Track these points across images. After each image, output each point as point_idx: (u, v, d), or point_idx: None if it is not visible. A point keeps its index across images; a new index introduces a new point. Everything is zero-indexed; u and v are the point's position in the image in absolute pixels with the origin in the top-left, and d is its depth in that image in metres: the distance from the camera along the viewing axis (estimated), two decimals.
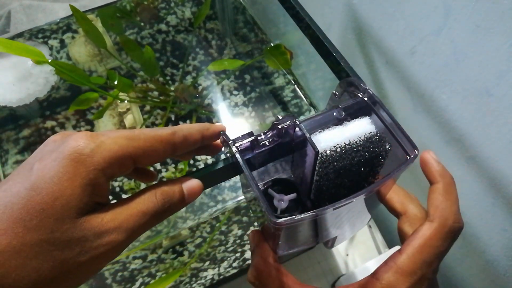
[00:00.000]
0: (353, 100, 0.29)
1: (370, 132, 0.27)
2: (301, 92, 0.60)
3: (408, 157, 0.26)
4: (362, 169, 0.27)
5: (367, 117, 0.28)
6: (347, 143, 0.26)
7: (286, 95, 0.60)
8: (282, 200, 0.29)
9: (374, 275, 0.26)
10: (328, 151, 0.26)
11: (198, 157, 0.54)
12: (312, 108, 0.58)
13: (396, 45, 0.47)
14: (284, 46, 0.53)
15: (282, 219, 0.23)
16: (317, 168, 0.26)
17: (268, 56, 0.56)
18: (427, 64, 0.44)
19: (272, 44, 0.63)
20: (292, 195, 0.29)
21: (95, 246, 0.21)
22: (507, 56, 0.35)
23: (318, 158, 0.26)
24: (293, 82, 0.61)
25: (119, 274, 0.51)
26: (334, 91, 0.32)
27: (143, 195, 0.23)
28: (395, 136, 0.27)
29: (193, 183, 0.26)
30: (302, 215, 0.23)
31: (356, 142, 0.26)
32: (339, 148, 0.26)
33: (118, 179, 0.52)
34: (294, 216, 0.23)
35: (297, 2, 0.40)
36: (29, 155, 0.53)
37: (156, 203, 0.23)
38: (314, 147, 0.25)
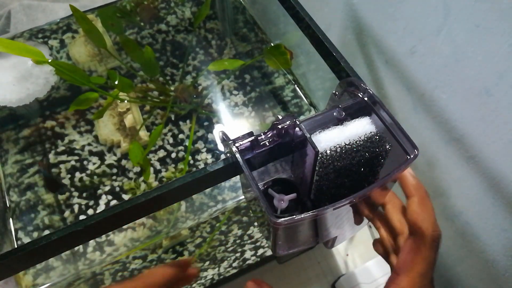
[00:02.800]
0: (353, 100, 0.29)
1: (370, 132, 0.27)
2: (301, 92, 0.60)
3: (408, 157, 0.26)
4: (362, 169, 0.27)
5: (367, 117, 0.28)
6: (347, 143, 0.26)
7: (286, 95, 0.60)
8: (282, 200, 0.29)
9: None
10: (328, 151, 0.26)
11: (198, 157, 0.54)
12: (312, 108, 0.58)
13: (396, 45, 0.47)
14: (284, 46, 0.53)
15: (282, 219, 0.23)
16: (317, 168, 0.26)
17: (268, 56, 0.56)
18: (427, 64, 0.44)
19: (272, 44, 0.63)
20: (292, 195, 0.29)
21: None
22: (507, 56, 0.35)
23: (318, 158, 0.26)
24: (293, 82, 0.61)
25: (119, 274, 0.51)
26: (334, 91, 0.32)
27: None
28: (395, 136, 0.27)
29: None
30: (302, 215, 0.23)
31: (356, 142, 0.26)
32: (339, 148, 0.26)
33: (118, 178, 0.52)
34: (294, 216, 0.23)
35: (297, 2, 0.40)
36: (29, 155, 0.53)
37: None
38: (314, 147, 0.25)
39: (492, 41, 0.36)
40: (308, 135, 0.26)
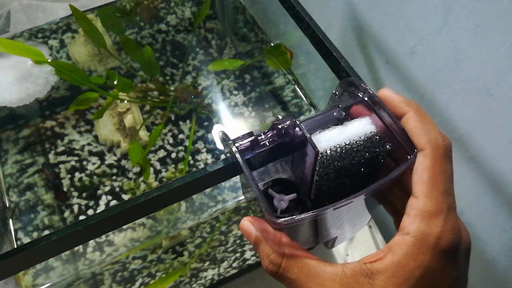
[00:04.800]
0: (353, 100, 0.29)
1: (370, 132, 0.27)
2: (301, 92, 0.60)
3: (409, 157, 0.26)
4: (362, 169, 0.27)
5: (367, 117, 0.28)
6: (347, 143, 0.26)
7: (286, 95, 0.60)
8: (282, 200, 0.29)
9: (402, 231, 0.23)
10: (328, 151, 0.26)
11: (198, 157, 0.54)
12: (312, 108, 0.58)
13: (396, 44, 0.47)
14: (284, 46, 0.53)
15: (282, 219, 0.23)
16: (317, 168, 0.26)
17: (268, 56, 0.56)
18: (427, 64, 0.44)
19: (272, 44, 0.63)
20: (292, 195, 0.29)
21: None
22: (507, 56, 0.35)
23: (318, 158, 0.26)
24: (293, 82, 0.60)
25: (119, 274, 0.51)
26: (334, 91, 0.32)
27: None
28: (395, 136, 0.27)
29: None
30: (302, 215, 0.23)
31: (356, 142, 0.26)
32: (339, 148, 0.26)
33: (118, 178, 0.52)
34: (294, 216, 0.23)
35: (297, 2, 0.40)
36: (29, 155, 0.53)
37: None
38: (314, 147, 0.25)
39: (493, 41, 0.36)
40: (308, 135, 0.26)
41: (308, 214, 0.23)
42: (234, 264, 0.61)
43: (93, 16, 0.64)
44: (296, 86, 0.60)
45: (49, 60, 0.47)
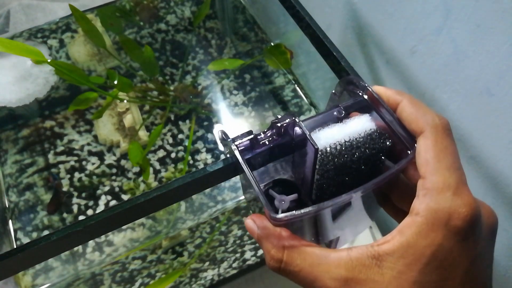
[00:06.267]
0: (353, 99, 0.29)
1: (370, 129, 0.27)
2: (301, 91, 0.60)
3: (409, 152, 0.26)
4: (362, 166, 0.27)
5: (367, 114, 0.28)
6: (347, 140, 0.26)
7: (286, 94, 0.60)
8: (283, 201, 0.29)
9: (412, 213, 0.22)
10: (328, 149, 0.26)
11: (198, 157, 0.54)
12: (312, 108, 0.58)
13: (396, 44, 0.47)
14: (284, 45, 0.53)
15: (283, 215, 0.23)
16: (317, 166, 0.26)
17: (268, 55, 0.56)
18: (428, 63, 0.44)
19: (272, 44, 0.63)
20: (293, 196, 0.29)
21: None
22: (507, 56, 0.35)
23: (318, 155, 0.26)
24: (293, 82, 0.60)
25: (119, 274, 0.51)
26: (333, 91, 0.31)
27: None
28: (395, 132, 0.27)
29: None
30: (302, 210, 0.23)
31: (356, 139, 0.26)
32: (339, 145, 0.26)
33: (118, 178, 0.52)
34: (294, 212, 0.23)
35: (297, 2, 0.39)
36: (28, 155, 0.53)
37: None
38: (313, 144, 0.25)
39: (493, 40, 0.36)
40: (307, 133, 0.26)
41: (308, 209, 0.23)
42: (234, 265, 0.61)
43: (92, 16, 0.64)
44: (296, 86, 0.60)
45: (49, 60, 0.47)
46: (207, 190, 0.51)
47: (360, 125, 0.27)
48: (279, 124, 0.27)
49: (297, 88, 0.60)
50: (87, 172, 0.53)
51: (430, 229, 0.21)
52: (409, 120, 0.25)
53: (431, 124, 0.24)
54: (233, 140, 0.27)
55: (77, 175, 0.52)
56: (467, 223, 0.21)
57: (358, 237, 0.66)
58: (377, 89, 0.27)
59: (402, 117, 0.25)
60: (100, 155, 0.54)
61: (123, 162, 0.54)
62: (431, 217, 0.21)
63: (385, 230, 0.68)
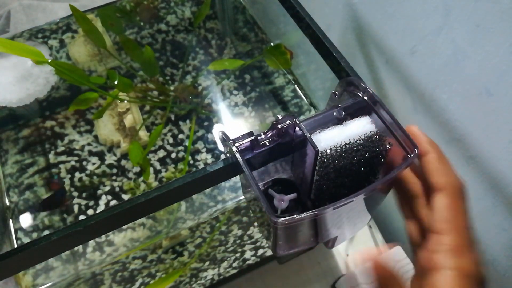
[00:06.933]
0: (353, 99, 0.29)
1: (370, 132, 0.27)
2: (301, 92, 0.60)
3: (409, 156, 0.26)
4: (362, 168, 0.27)
5: (367, 117, 0.28)
6: (347, 142, 0.26)
7: (286, 95, 0.60)
8: (283, 200, 0.29)
9: (437, 269, 0.26)
10: (328, 151, 0.26)
11: (198, 157, 0.54)
12: (312, 108, 0.58)
13: (396, 44, 0.47)
14: (284, 46, 0.53)
15: (283, 219, 0.23)
16: (317, 168, 0.26)
17: (268, 56, 0.56)
18: (427, 63, 0.44)
19: (272, 44, 0.63)
20: (293, 195, 0.29)
21: None
22: (507, 56, 0.35)
23: (318, 157, 0.26)
24: (293, 82, 0.60)
25: (119, 274, 0.51)
26: (333, 91, 0.32)
27: None
28: (395, 135, 0.27)
29: None
30: (302, 215, 0.23)
31: (356, 141, 0.26)
32: (339, 148, 0.26)
33: (118, 178, 0.52)
34: (295, 216, 0.23)
35: (297, 2, 0.40)
36: (29, 155, 0.53)
37: None
38: (314, 146, 0.25)
39: (493, 40, 0.36)
40: (308, 135, 0.26)
41: (308, 214, 0.23)
42: (234, 264, 0.61)
43: (93, 16, 0.64)
44: (296, 86, 0.60)
45: (49, 60, 0.47)
46: (207, 190, 0.51)
47: (360, 127, 0.27)
48: (279, 126, 0.27)
49: (297, 89, 0.60)
50: (87, 172, 0.53)
51: (458, 284, 0.26)
52: (432, 174, 0.28)
53: (452, 184, 0.27)
54: (234, 141, 0.27)
55: (77, 175, 0.52)
56: (481, 277, 0.26)
57: (358, 237, 0.66)
58: (412, 129, 0.29)
59: (427, 168, 0.28)
60: (100, 155, 0.54)
61: (123, 162, 0.54)
62: (458, 273, 0.26)
63: (384, 230, 0.68)
